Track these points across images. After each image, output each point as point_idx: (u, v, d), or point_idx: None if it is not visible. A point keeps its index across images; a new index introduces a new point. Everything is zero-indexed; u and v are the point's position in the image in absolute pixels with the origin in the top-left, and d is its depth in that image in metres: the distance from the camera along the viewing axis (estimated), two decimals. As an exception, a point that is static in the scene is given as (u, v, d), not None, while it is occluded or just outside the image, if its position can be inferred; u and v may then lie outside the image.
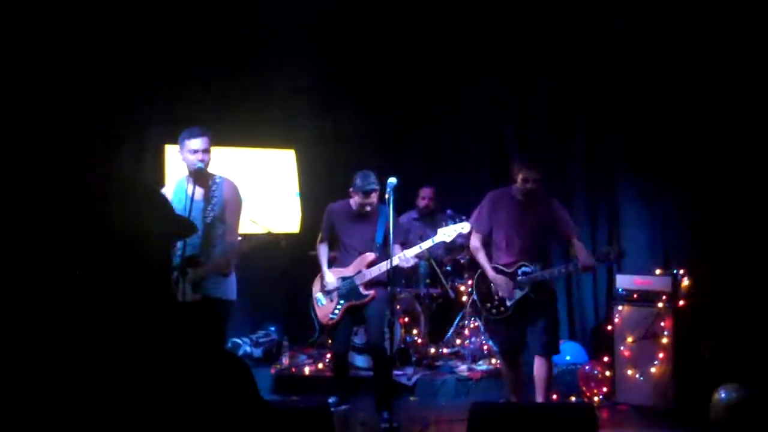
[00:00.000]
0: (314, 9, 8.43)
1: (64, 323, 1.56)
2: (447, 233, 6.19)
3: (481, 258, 6.09)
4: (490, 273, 5.99)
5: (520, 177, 5.88)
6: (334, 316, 6.38)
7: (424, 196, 8.25)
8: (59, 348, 1.53)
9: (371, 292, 6.29)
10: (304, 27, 8.55)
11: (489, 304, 6.05)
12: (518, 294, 5.91)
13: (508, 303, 5.93)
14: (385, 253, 6.13)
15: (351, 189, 6.29)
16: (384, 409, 6.10)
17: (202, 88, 8.19)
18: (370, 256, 6.29)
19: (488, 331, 5.97)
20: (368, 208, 6.25)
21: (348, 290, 6.33)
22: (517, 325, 5.96)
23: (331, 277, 6.40)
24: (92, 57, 7.41)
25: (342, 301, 6.36)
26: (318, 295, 6.54)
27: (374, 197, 6.20)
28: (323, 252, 6.52)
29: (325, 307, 6.45)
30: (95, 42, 7.41)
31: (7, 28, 6.73)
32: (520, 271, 5.93)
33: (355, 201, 6.28)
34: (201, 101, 7.97)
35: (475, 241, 6.13)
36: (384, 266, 6.07)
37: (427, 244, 6.20)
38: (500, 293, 5.96)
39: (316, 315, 6.71)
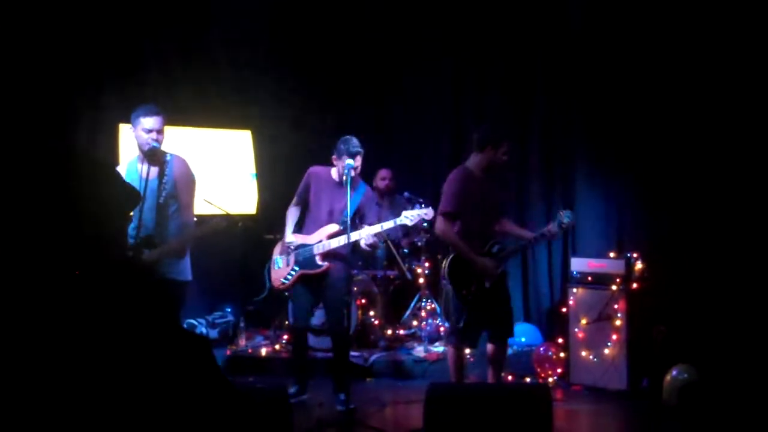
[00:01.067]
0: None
1: (21, 303, 1.53)
2: (410, 217, 6.08)
3: (460, 242, 5.78)
4: (476, 258, 5.76)
5: (502, 150, 5.85)
6: (286, 281, 6.30)
7: (384, 176, 8.23)
8: (19, 329, 1.50)
9: (326, 264, 6.18)
10: (261, 4, 8.48)
11: (465, 290, 5.79)
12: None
13: (487, 284, 5.78)
14: (352, 227, 6.03)
15: (334, 156, 6.17)
16: (341, 390, 6.09)
17: (158, 66, 8.11)
18: (333, 227, 6.16)
19: (460, 312, 5.79)
20: (358, 173, 6.12)
21: (304, 258, 6.23)
22: (490, 306, 5.84)
23: (291, 238, 6.30)
24: (46, 36, 7.28)
25: (296, 267, 6.26)
26: (276, 257, 6.47)
27: (360, 161, 6.07)
28: (292, 214, 6.39)
29: (280, 270, 6.38)
30: (49, 21, 7.28)
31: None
32: (494, 249, 5.85)
33: (338, 169, 6.15)
34: (156, 80, 7.89)
35: (445, 225, 5.82)
36: (343, 240, 5.99)
37: (388, 225, 6.08)
38: (488, 276, 5.78)
39: (269, 277, 6.64)
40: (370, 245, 6.12)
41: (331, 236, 6.14)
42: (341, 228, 6.12)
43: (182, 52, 8.33)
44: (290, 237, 6.33)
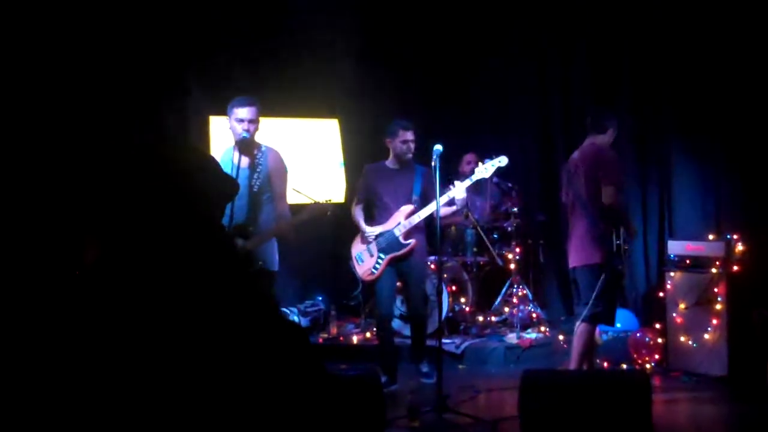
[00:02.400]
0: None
1: (124, 288, 1.55)
2: (485, 168, 6.18)
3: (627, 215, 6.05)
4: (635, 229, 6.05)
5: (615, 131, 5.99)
6: (376, 270, 6.34)
7: (470, 161, 8.15)
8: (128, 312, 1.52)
9: (412, 241, 6.25)
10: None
11: (621, 265, 5.89)
12: None
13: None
14: (423, 205, 6.16)
15: (388, 139, 6.37)
16: (420, 360, 6.35)
17: (246, 58, 8.19)
18: (409, 207, 6.26)
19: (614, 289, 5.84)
20: (409, 155, 6.30)
21: (388, 242, 6.29)
22: None
23: (370, 229, 6.37)
24: (138, 31, 7.43)
25: (382, 255, 6.31)
26: (357, 253, 6.52)
27: (412, 136, 6.27)
28: (359, 213, 6.51)
29: (366, 263, 6.43)
30: (140, 16, 7.43)
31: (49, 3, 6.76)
32: None
33: (394, 149, 6.33)
34: (245, 71, 7.97)
35: (619, 196, 5.85)
36: (424, 213, 6.11)
37: (465, 184, 6.14)
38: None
39: (357, 274, 6.69)
40: (450, 214, 6.20)
41: (408, 215, 6.19)
42: (415, 206, 6.23)
43: (269, 44, 8.40)
44: (368, 229, 6.39)
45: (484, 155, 8.13)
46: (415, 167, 6.36)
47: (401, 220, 6.26)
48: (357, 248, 6.54)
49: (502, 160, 6.18)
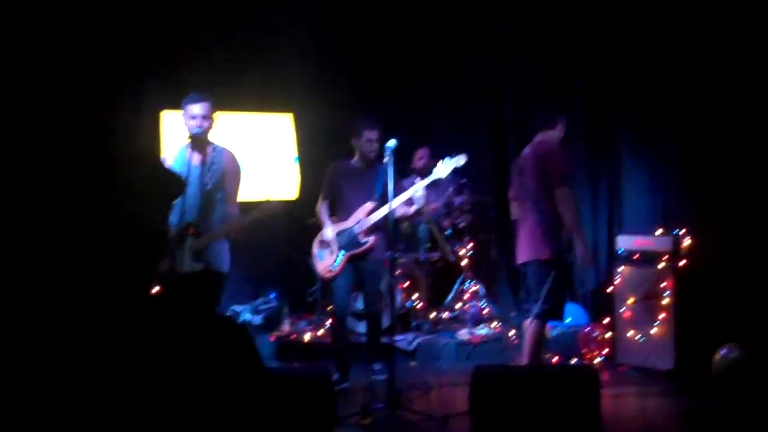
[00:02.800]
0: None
1: (52, 293, 1.52)
2: (444, 168, 6.20)
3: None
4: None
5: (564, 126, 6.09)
6: (334, 268, 6.33)
7: (421, 156, 8.17)
8: (51, 321, 1.50)
9: (370, 239, 6.27)
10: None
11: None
12: None
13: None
14: (383, 203, 6.15)
15: (353, 139, 6.37)
16: (375, 358, 6.37)
17: (198, 52, 8.11)
18: (369, 205, 6.28)
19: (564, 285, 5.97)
20: (373, 148, 6.29)
21: (347, 240, 6.30)
22: None
23: (328, 229, 6.38)
24: (88, 23, 7.32)
25: (342, 252, 6.31)
26: (318, 250, 6.52)
27: (377, 135, 6.26)
28: (324, 211, 6.49)
29: (325, 260, 6.42)
30: (91, 8, 7.32)
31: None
32: None
33: (360, 148, 6.34)
34: (197, 66, 7.89)
35: (571, 193, 6.00)
36: (383, 210, 6.11)
37: (423, 183, 6.18)
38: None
39: (316, 271, 6.66)
40: (411, 214, 6.23)
41: (369, 213, 6.21)
42: (376, 205, 6.24)
43: (223, 38, 8.33)
44: (329, 230, 6.39)
45: (438, 151, 8.20)
46: (379, 166, 6.34)
47: (361, 218, 6.27)
48: (318, 245, 6.53)
49: (461, 159, 6.21)
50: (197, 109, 5.19)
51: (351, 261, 6.33)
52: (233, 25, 8.35)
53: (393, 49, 8.74)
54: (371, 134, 6.29)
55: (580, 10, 7.92)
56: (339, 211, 6.49)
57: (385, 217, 6.02)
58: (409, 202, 6.25)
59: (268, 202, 5.39)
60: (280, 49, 8.41)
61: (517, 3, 8.29)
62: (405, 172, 7.46)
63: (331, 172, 6.54)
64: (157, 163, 1.75)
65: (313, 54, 8.51)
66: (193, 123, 5.18)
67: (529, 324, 5.88)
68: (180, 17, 7.95)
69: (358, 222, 6.28)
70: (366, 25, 8.65)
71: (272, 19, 8.46)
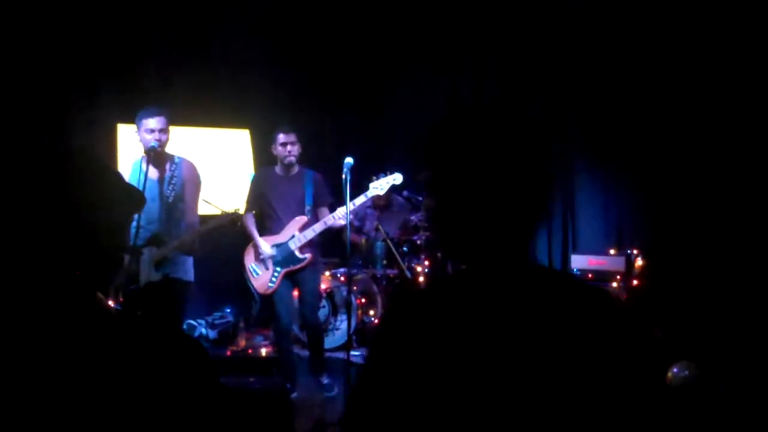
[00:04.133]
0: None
1: (13, 305, 1.51)
2: (380, 185, 6.17)
3: None
4: None
5: None
6: (272, 284, 6.26)
7: None
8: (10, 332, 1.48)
9: (308, 255, 6.19)
10: (258, 5, 8.47)
11: None
12: None
13: None
14: (315, 215, 6.14)
15: (271, 146, 6.30)
16: (321, 372, 6.36)
17: (155, 65, 8.08)
18: (303, 219, 6.18)
19: None
20: (290, 150, 6.17)
21: (284, 256, 6.21)
22: None
23: (265, 245, 6.25)
24: (42, 35, 7.25)
25: (278, 268, 6.24)
26: (252, 265, 6.39)
27: (295, 138, 6.18)
28: (251, 222, 6.35)
29: (262, 276, 6.32)
30: (45, 20, 7.26)
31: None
32: None
33: (277, 154, 6.26)
34: (154, 79, 7.86)
35: None
36: (318, 227, 6.07)
37: (360, 200, 6.13)
38: None
39: (253, 286, 6.49)
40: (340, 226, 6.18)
41: (303, 228, 6.14)
42: (309, 218, 6.18)
43: (180, 51, 8.31)
44: (264, 245, 6.25)
45: (388, 169, 8.21)
46: (305, 173, 6.28)
47: (295, 233, 6.17)
48: (251, 260, 6.40)
49: (397, 178, 6.17)
50: (154, 122, 5.16)
51: (287, 276, 6.28)
52: (190, 39, 8.33)
53: (352, 66, 8.78)
54: (286, 138, 6.18)
55: (535, 36, 8.05)
56: (268, 223, 6.34)
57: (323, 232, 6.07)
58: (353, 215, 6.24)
59: (223, 213, 5.40)
60: (238, 65, 8.41)
61: (475, 30, 8.39)
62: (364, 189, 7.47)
63: (254, 182, 6.46)
64: (118, 177, 1.74)
65: (271, 70, 8.53)
66: (150, 137, 5.15)
67: None
68: (136, 30, 7.91)
69: (292, 237, 6.17)
70: (324, 42, 8.67)
71: (229, 33, 8.46)
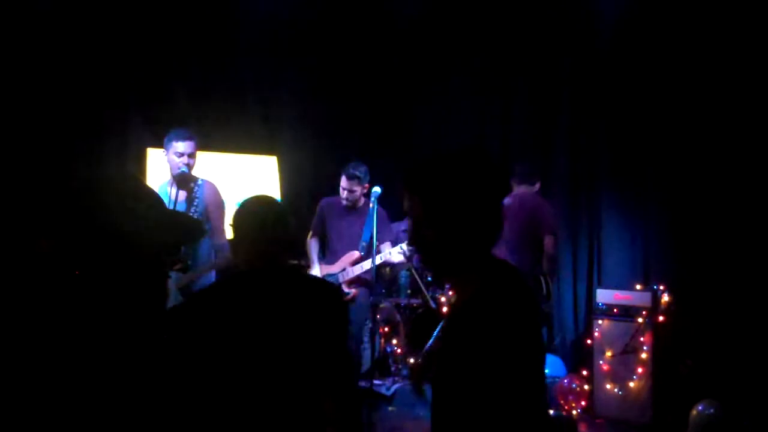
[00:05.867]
0: (298, 20, 8.47)
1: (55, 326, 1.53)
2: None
3: None
4: None
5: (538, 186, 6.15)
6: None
7: None
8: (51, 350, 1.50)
9: (353, 291, 6.26)
10: (287, 34, 8.56)
11: None
12: None
13: None
14: (370, 253, 6.15)
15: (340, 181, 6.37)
16: None
17: (185, 91, 8.16)
18: (355, 254, 6.28)
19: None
20: (346, 196, 6.27)
21: None
22: None
23: (317, 271, 6.38)
24: (74, 61, 7.36)
25: None
26: None
27: (354, 186, 6.23)
28: (313, 247, 6.52)
29: None
30: (77, 47, 7.36)
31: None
32: None
33: (341, 192, 6.33)
34: (183, 104, 7.94)
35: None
36: (367, 265, 6.10)
37: (398, 249, 6.17)
38: None
39: None
40: (396, 264, 6.20)
41: (354, 263, 6.20)
42: (362, 254, 6.18)
43: (210, 78, 8.39)
44: (316, 269, 6.41)
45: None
46: (368, 208, 6.35)
47: (347, 267, 6.28)
48: None
49: None
50: (183, 146, 5.23)
51: None
52: (220, 67, 8.42)
53: (380, 93, 8.83)
54: (346, 183, 6.29)
55: (563, 67, 8.06)
56: (327, 252, 6.50)
57: (371, 270, 6.06)
58: (387, 263, 6.26)
59: None
60: (266, 92, 8.48)
61: (503, 57, 8.42)
62: (397, 216, 7.48)
63: (319, 209, 6.57)
64: (152, 207, 1.76)
65: (300, 97, 8.59)
66: (180, 161, 5.20)
67: None
68: (167, 57, 8.01)
69: (342, 270, 6.28)
70: (352, 69, 8.73)
71: (259, 61, 8.54)
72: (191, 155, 5.25)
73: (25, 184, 5.98)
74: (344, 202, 6.32)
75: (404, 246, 6.08)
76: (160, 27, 7.89)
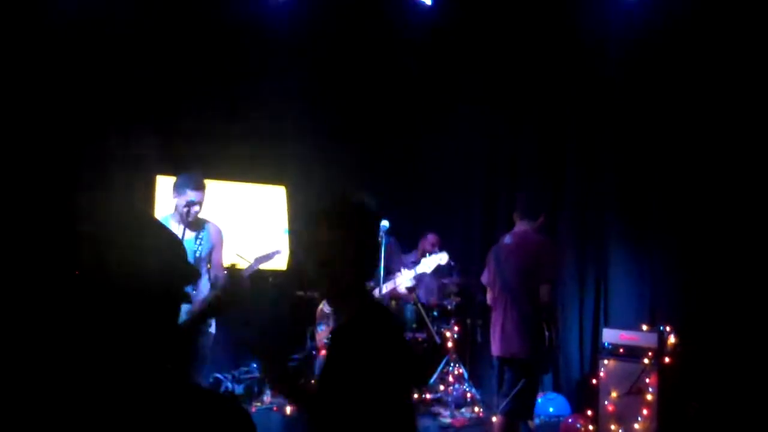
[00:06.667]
0: (307, 50, 8.53)
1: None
2: (428, 264, 6.26)
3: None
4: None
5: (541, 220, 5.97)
6: (329, 341, 6.33)
7: (433, 242, 8.12)
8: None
9: None
10: (298, 60, 8.61)
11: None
12: None
13: None
14: (382, 279, 6.17)
15: None
16: None
17: (194, 120, 8.19)
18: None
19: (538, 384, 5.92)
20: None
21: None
22: None
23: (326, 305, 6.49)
24: (81, 86, 7.40)
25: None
26: (319, 321, 6.81)
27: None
28: None
29: (322, 332, 6.64)
30: (87, 70, 7.41)
31: None
32: None
33: None
34: (192, 134, 7.96)
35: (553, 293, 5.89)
36: (375, 293, 6.08)
37: (409, 274, 6.17)
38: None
39: (314, 341, 6.90)
40: (402, 295, 6.19)
41: None
42: (371, 284, 6.17)
43: (219, 106, 8.45)
44: (325, 305, 6.53)
45: (434, 234, 8.21)
46: (383, 239, 6.39)
47: None
48: (319, 316, 6.77)
49: (443, 258, 6.27)
50: (195, 196, 5.34)
51: None
52: (228, 96, 8.48)
53: (388, 125, 8.87)
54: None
55: (574, 107, 8.08)
56: None
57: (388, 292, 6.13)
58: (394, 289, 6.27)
59: (262, 255, 5.53)
60: (277, 121, 8.50)
61: (513, 93, 8.46)
62: (405, 247, 7.50)
63: None
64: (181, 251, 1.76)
65: (309, 128, 8.62)
66: (190, 210, 5.33)
67: (497, 419, 5.84)
68: (175, 86, 8.06)
69: None
70: (362, 101, 8.79)
71: (267, 90, 8.58)
72: (201, 203, 5.39)
73: (32, 212, 6.00)
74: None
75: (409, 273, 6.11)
76: (171, 54, 7.94)
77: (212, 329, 5.51)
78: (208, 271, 5.54)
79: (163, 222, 5.26)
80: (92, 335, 1.55)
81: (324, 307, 6.55)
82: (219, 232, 5.65)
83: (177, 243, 1.71)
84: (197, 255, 5.45)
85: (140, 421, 1.48)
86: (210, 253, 5.55)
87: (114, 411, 1.48)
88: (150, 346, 1.59)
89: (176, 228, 5.36)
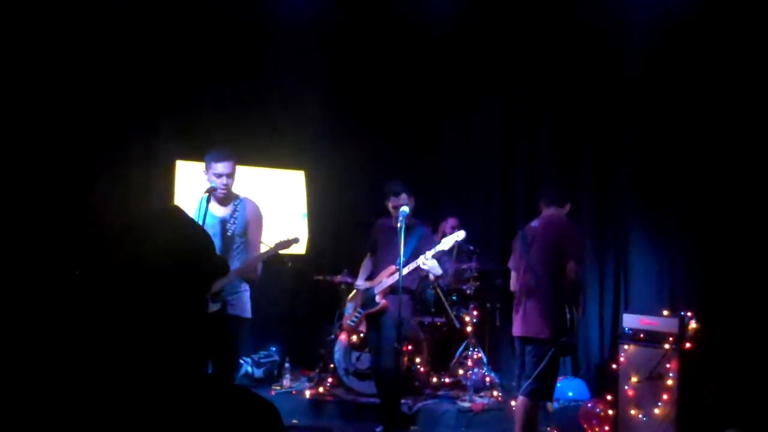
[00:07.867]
0: (327, 35, 8.52)
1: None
2: (445, 242, 6.23)
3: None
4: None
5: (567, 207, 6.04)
6: (353, 323, 6.67)
7: (453, 225, 8.10)
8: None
9: (383, 301, 6.36)
10: (316, 46, 8.60)
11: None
12: None
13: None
14: (405, 265, 6.15)
15: (386, 201, 6.44)
16: (390, 422, 6.39)
17: (213, 104, 8.22)
18: (392, 268, 6.35)
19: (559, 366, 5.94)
20: (393, 219, 6.30)
21: (367, 299, 6.49)
22: None
23: (357, 283, 6.68)
24: (103, 75, 7.44)
25: (361, 309, 6.55)
26: (348, 303, 7.07)
27: (403, 198, 6.25)
28: (365, 265, 6.74)
29: (350, 314, 6.77)
30: (106, 59, 7.44)
31: (17, 43, 6.78)
32: None
33: (390, 210, 6.41)
34: (211, 118, 7.99)
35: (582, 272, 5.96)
36: (396, 275, 6.11)
37: (430, 253, 6.16)
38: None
39: (339, 321, 7.19)
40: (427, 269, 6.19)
41: (390, 275, 6.28)
42: (398, 267, 6.17)
43: (238, 93, 8.47)
44: (359, 282, 6.64)
45: (448, 216, 8.21)
46: (415, 227, 6.42)
47: (384, 279, 6.39)
48: (349, 299, 7.07)
49: (460, 235, 6.25)
50: (222, 167, 5.32)
51: (370, 318, 6.50)
52: (248, 81, 8.49)
53: (408, 111, 8.85)
54: (395, 200, 6.30)
55: (593, 92, 8.03)
56: (375, 268, 6.63)
57: (412, 279, 6.25)
58: (417, 269, 6.25)
59: (281, 241, 5.48)
60: (296, 107, 8.50)
61: (532, 79, 8.42)
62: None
63: (374, 228, 6.72)
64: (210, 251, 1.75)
65: (328, 113, 8.62)
66: (219, 181, 5.31)
67: (519, 400, 5.85)
68: (195, 71, 8.08)
69: (380, 283, 6.39)
70: (381, 86, 8.76)
71: (286, 76, 8.59)
72: (230, 175, 5.34)
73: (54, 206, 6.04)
74: (395, 221, 6.21)
75: (429, 254, 6.12)
76: (190, 41, 7.96)
77: (248, 314, 5.50)
78: (243, 251, 5.44)
79: (199, 203, 5.33)
80: (110, 334, 1.55)
81: (358, 285, 6.62)
82: (256, 209, 5.56)
83: (198, 237, 1.70)
84: (230, 232, 5.40)
85: (164, 419, 1.48)
86: (245, 230, 5.45)
87: (138, 409, 1.48)
88: (175, 342, 1.58)
89: (215, 207, 5.38)
